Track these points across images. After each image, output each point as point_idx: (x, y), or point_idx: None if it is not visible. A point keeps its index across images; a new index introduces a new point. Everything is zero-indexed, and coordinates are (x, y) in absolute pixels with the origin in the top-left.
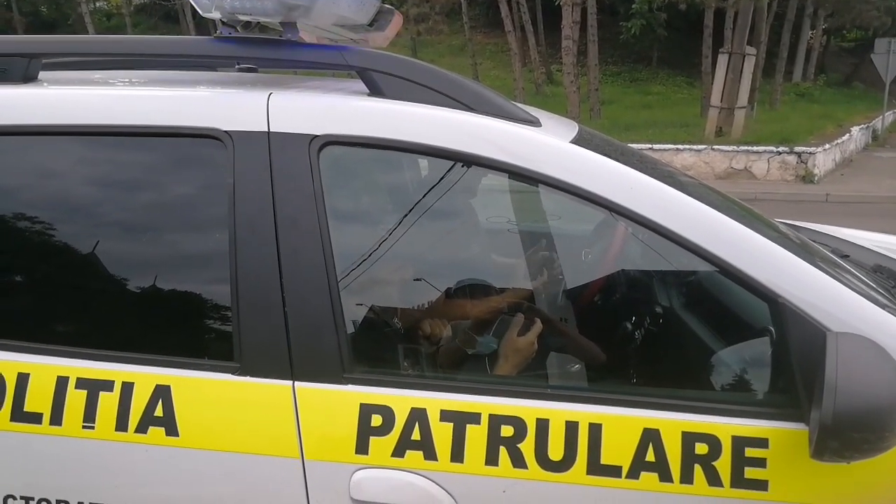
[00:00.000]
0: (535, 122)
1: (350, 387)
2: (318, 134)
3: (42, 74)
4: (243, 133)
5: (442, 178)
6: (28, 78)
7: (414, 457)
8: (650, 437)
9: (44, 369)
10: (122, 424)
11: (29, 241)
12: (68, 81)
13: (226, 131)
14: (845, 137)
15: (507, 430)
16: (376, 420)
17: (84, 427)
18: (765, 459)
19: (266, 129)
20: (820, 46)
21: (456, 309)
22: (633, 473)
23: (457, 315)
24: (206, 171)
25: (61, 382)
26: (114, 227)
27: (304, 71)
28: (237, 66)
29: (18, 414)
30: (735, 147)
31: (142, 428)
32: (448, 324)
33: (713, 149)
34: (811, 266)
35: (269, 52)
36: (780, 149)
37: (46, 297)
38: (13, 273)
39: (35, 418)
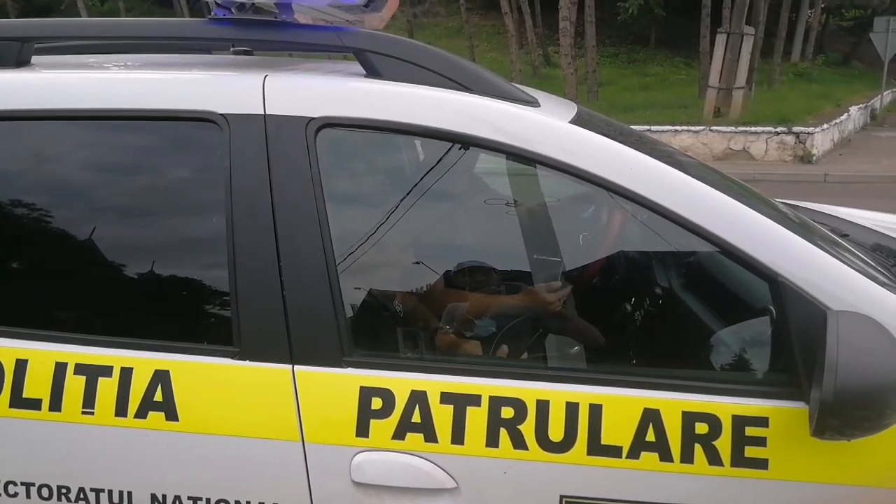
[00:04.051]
0: (533, 103)
1: (350, 370)
2: (314, 116)
3: (35, 59)
4: (239, 116)
5: (440, 160)
6: (21, 62)
7: (414, 439)
8: (650, 417)
9: (42, 355)
10: (121, 410)
11: (25, 227)
12: (62, 65)
13: (222, 114)
14: (844, 117)
15: (507, 412)
16: (376, 403)
17: (83, 413)
18: (765, 438)
19: (262, 112)
20: (819, 25)
21: (455, 294)
22: (634, 453)
23: (458, 299)
24: (203, 155)
25: (60, 368)
26: (110, 212)
27: (299, 53)
28: (232, 49)
29: (17, 400)
30: (733, 127)
31: (141, 413)
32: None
33: (711, 129)
34: (811, 245)
35: (264, 34)
36: (779, 129)
37: (43, 284)
38: (9, 259)
39: (34, 404)
